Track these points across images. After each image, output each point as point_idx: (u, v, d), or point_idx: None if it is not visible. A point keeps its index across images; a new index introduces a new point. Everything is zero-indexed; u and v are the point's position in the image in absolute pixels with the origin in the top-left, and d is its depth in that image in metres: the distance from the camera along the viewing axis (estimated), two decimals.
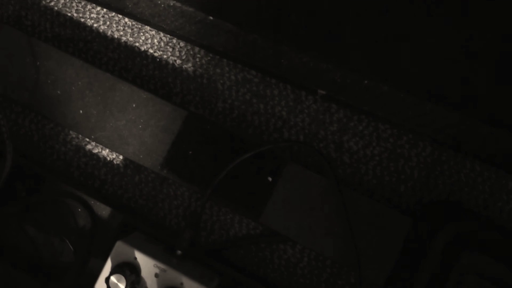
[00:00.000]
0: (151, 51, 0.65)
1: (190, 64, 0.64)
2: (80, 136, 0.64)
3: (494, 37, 0.58)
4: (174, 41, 0.64)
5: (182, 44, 0.64)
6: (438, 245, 0.45)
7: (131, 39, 0.65)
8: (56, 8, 0.67)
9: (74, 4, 0.67)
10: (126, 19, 0.65)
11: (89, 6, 0.66)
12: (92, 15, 0.66)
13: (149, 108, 0.59)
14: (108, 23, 0.66)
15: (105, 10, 0.66)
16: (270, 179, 0.57)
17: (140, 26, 0.65)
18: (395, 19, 0.59)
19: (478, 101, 0.59)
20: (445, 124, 0.59)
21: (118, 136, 0.60)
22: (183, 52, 0.64)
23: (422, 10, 0.59)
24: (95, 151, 0.64)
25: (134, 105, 0.59)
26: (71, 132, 0.65)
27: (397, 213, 0.56)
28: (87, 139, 0.64)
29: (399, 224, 0.55)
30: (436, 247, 0.45)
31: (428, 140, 0.59)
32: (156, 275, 0.49)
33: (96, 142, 0.61)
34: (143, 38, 0.65)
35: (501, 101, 0.59)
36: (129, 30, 0.65)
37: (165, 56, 0.64)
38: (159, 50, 0.65)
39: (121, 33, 0.66)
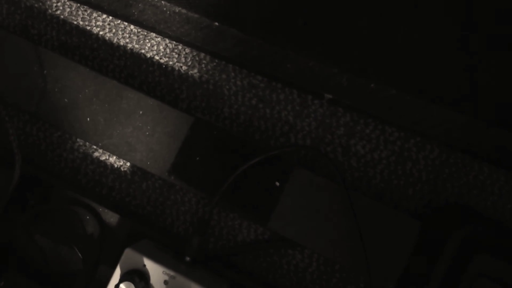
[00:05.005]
0: (157, 57, 0.65)
1: (196, 70, 0.64)
2: (87, 143, 0.64)
3: (503, 39, 0.58)
4: (180, 47, 0.65)
5: (187, 50, 0.64)
6: (449, 249, 0.45)
7: (136, 46, 0.65)
8: (62, 16, 0.67)
9: (80, 12, 0.67)
10: (132, 26, 0.66)
11: (94, 14, 0.67)
12: (98, 23, 0.67)
13: (156, 114, 0.59)
14: (114, 30, 0.66)
15: (110, 17, 0.66)
16: (277, 184, 0.57)
17: (145, 33, 0.65)
18: (400, 22, 0.59)
19: (486, 103, 0.59)
20: (452, 126, 0.59)
21: (125, 143, 0.60)
22: (189, 58, 0.64)
23: (428, 13, 0.59)
24: (103, 158, 0.64)
25: (141, 112, 0.60)
26: (78, 139, 0.65)
27: (406, 216, 0.55)
28: (95, 147, 0.64)
29: (408, 227, 0.55)
30: (447, 251, 0.45)
31: (436, 142, 0.59)
32: (165, 282, 0.49)
33: (104, 150, 0.61)
34: (148, 45, 0.65)
35: (509, 103, 0.59)
36: (135, 37, 0.66)
37: (171, 63, 0.65)
38: (164, 57, 0.65)
39: (127, 40, 0.66)
